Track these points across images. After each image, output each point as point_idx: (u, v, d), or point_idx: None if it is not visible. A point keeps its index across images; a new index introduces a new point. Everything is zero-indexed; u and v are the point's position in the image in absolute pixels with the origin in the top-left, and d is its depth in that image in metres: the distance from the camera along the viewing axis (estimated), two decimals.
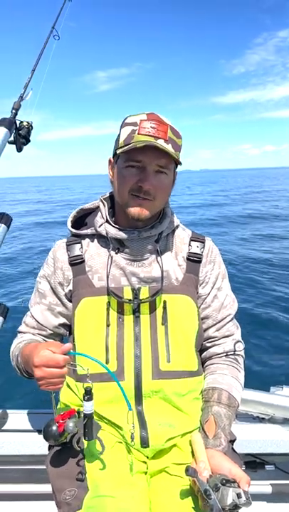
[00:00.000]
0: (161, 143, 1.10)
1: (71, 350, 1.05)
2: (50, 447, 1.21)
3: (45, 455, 1.21)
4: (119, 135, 1.18)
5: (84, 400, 1.05)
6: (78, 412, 1.12)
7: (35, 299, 1.33)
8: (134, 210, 1.17)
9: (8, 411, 1.62)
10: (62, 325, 1.31)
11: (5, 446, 1.49)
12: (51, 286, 1.29)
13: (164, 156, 1.13)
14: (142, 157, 1.13)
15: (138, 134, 1.11)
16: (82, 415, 1.06)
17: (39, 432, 1.51)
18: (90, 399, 1.04)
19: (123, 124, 1.18)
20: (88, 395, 1.04)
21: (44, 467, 1.17)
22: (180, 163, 1.18)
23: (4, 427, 1.55)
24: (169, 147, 1.11)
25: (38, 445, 1.47)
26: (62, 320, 1.30)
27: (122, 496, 0.99)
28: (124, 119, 1.19)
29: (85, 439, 1.06)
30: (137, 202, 1.16)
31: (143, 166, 1.14)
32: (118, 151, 1.14)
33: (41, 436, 1.46)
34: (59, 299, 1.29)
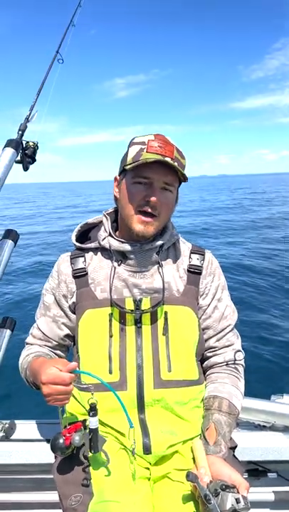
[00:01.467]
0: (167, 160, 1.16)
1: (77, 369, 1.10)
2: (56, 456, 1.25)
3: (52, 464, 1.25)
4: (126, 153, 1.24)
5: (89, 415, 1.10)
6: (84, 424, 1.17)
7: (41, 311, 1.38)
8: (140, 228, 1.22)
9: (16, 421, 1.66)
10: (67, 336, 1.36)
11: (13, 455, 1.52)
12: (56, 299, 1.34)
13: (171, 173, 1.20)
14: (150, 173, 1.19)
15: (146, 151, 1.18)
16: (88, 430, 1.11)
17: (47, 441, 1.55)
18: (94, 414, 1.10)
19: (131, 144, 1.24)
20: (93, 410, 1.10)
21: (51, 476, 1.20)
22: (185, 180, 1.25)
23: (12, 437, 1.58)
24: (176, 165, 1.17)
25: (45, 454, 1.50)
26: (67, 331, 1.35)
27: (126, 501, 1.03)
28: (132, 139, 1.25)
29: (90, 451, 1.10)
30: (142, 219, 1.21)
31: (150, 182, 1.20)
32: (127, 167, 1.20)
33: (48, 445, 1.51)
34: (63, 310, 1.34)
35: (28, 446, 1.54)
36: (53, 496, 1.55)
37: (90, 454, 1.14)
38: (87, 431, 1.11)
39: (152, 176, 1.19)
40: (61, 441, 1.11)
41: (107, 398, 1.18)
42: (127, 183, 1.23)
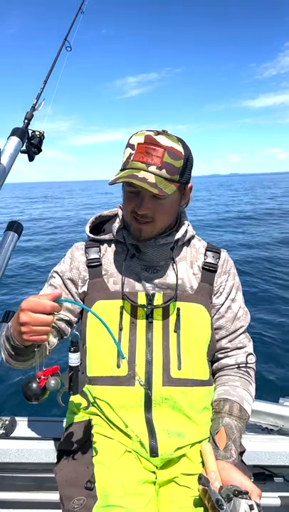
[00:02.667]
0: (152, 170, 1.10)
1: (62, 297, 1.00)
2: (58, 455, 1.22)
3: (54, 463, 1.21)
4: (123, 154, 1.19)
5: (69, 351, 1.01)
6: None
7: (46, 290, 1.33)
8: (135, 231, 1.21)
9: (17, 418, 1.62)
10: (65, 321, 1.29)
11: (13, 454, 1.49)
12: (63, 282, 1.30)
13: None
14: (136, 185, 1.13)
15: (132, 160, 1.13)
16: (68, 368, 1.03)
17: (48, 439, 1.51)
18: (76, 350, 1.01)
19: (127, 144, 1.18)
20: (74, 346, 1.01)
21: (52, 475, 1.17)
22: (182, 182, 1.17)
23: (13, 434, 1.55)
24: (162, 173, 1.10)
25: (46, 453, 1.47)
26: (68, 315, 1.29)
27: (130, 505, 0.99)
28: (130, 138, 1.18)
29: (69, 393, 1.04)
30: (136, 224, 1.19)
31: (138, 191, 1.15)
32: (112, 178, 1.14)
33: (50, 443, 1.47)
34: (69, 295, 1.29)
35: (28, 444, 1.50)
36: (53, 496, 1.51)
37: (94, 451, 1.11)
38: (67, 371, 1.03)
39: (138, 187, 1.12)
40: (35, 385, 1.02)
41: (114, 393, 1.16)
42: (123, 189, 1.22)
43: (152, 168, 1.10)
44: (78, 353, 1.01)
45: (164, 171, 1.11)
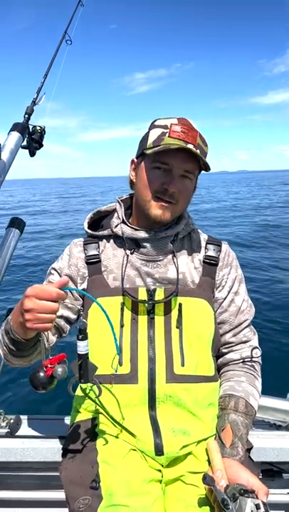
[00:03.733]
0: (191, 148, 1.11)
1: (68, 285, 0.98)
2: (63, 454, 1.20)
3: (59, 462, 1.20)
4: (147, 136, 1.19)
5: (78, 339, 0.99)
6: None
7: None
8: (157, 213, 1.17)
9: (22, 417, 1.62)
10: (65, 318, 1.27)
11: (18, 452, 1.48)
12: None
13: (192, 160, 1.14)
14: (170, 160, 1.14)
15: (168, 136, 1.13)
16: (77, 356, 1.00)
17: (52, 438, 1.50)
18: (84, 338, 0.99)
19: (152, 126, 1.19)
20: (82, 334, 0.99)
21: (57, 474, 1.16)
22: (208, 169, 1.18)
23: (18, 433, 1.54)
24: (198, 152, 1.12)
25: (51, 452, 1.46)
26: (67, 312, 1.27)
27: (136, 505, 0.97)
28: (154, 121, 1.20)
29: (80, 382, 1.02)
30: (160, 204, 1.17)
31: (170, 168, 1.15)
32: (148, 151, 1.14)
33: (55, 442, 1.46)
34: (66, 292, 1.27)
35: (33, 442, 1.49)
36: (59, 495, 1.50)
37: (99, 450, 1.09)
38: (76, 360, 1.00)
39: (172, 163, 1.14)
40: (42, 373, 0.98)
41: (117, 391, 1.14)
42: (146, 167, 1.18)
43: (190, 147, 1.11)
44: (86, 341, 0.99)
45: (198, 151, 1.12)
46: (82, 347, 1.00)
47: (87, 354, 1.00)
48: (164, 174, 1.15)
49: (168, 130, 1.13)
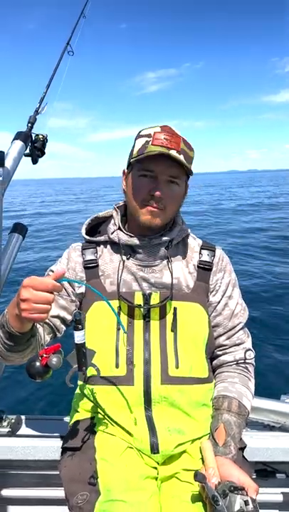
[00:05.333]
0: (173, 153, 1.14)
1: (65, 277, 1.01)
2: (63, 452, 1.24)
3: (58, 460, 1.24)
4: (133, 146, 1.23)
5: (74, 329, 1.02)
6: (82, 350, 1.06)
7: None
8: (146, 218, 1.21)
9: (22, 417, 1.65)
10: (60, 319, 1.29)
11: (19, 451, 1.52)
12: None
13: (176, 166, 1.17)
14: (154, 167, 1.17)
15: (151, 144, 1.16)
16: (74, 346, 1.03)
17: (52, 437, 1.54)
18: (80, 328, 1.02)
19: (137, 136, 1.23)
20: (79, 324, 1.02)
21: (57, 472, 1.20)
22: (191, 174, 1.22)
23: (18, 432, 1.58)
24: (181, 158, 1.15)
25: (52, 450, 1.49)
26: (63, 313, 1.29)
27: (133, 500, 1.01)
28: (139, 132, 1.24)
29: (80, 370, 1.05)
30: (148, 210, 1.20)
31: (155, 175, 1.18)
32: (131, 160, 1.19)
33: (55, 441, 1.50)
34: (64, 293, 1.29)
35: (34, 441, 1.53)
36: (58, 493, 1.54)
37: (97, 447, 1.13)
38: (73, 351, 1.04)
39: (157, 169, 1.18)
40: (37, 363, 1.01)
41: (114, 392, 1.18)
42: (133, 176, 1.23)
43: (173, 152, 1.15)
44: (83, 331, 1.03)
45: (182, 156, 1.16)
46: (79, 336, 1.03)
47: (83, 343, 1.03)
48: (150, 181, 1.19)
49: (151, 138, 1.17)
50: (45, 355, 1.02)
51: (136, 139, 1.23)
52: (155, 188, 1.17)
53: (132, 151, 1.23)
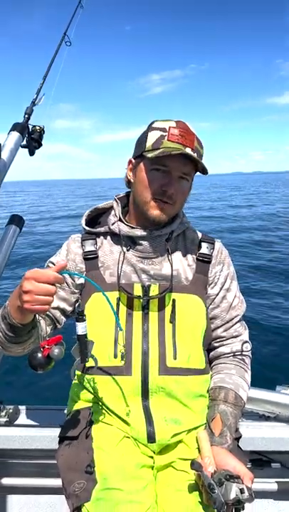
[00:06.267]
0: (188, 151, 1.15)
1: (66, 269, 1.01)
2: (60, 442, 1.25)
3: (56, 449, 1.25)
4: (145, 138, 1.21)
5: (76, 320, 1.04)
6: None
7: None
8: (156, 213, 1.21)
9: (20, 407, 1.66)
10: (61, 310, 1.30)
11: (17, 440, 1.53)
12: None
13: (189, 163, 1.18)
14: (170, 163, 1.17)
15: (167, 139, 1.16)
16: (76, 337, 1.05)
17: (50, 427, 1.55)
18: (82, 320, 1.04)
19: (150, 128, 1.22)
20: (81, 315, 1.04)
21: (54, 462, 1.21)
22: (206, 173, 1.22)
23: (16, 422, 1.59)
24: (197, 157, 1.16)
25: (48, 439, 1.51)
26: (63, 304, 1.30)
27: (129, 488, 1.03)
28: (152, 123, 1.23)
29: (83, 362, 1.07)
30: (159, 205, 1.20)
31: (168, 171, 1.18)
32: (149, 155, 1.17)
33: (52, 430, 1.51)
34: (64, 284, 1.30)
35: (31, 431, 1.54)
36: (56, 482, 1.56)
37: (94, 437, 1.15)
38: (76, 344, 1.05)
39: (171, 165, 1.18)
40: (39, 354, 1.02)
41: (112, 383, 1.19)
42: (145, 169, 1.21)
43: (188, 150, 1.15)
44: (85, 322, 1.04)
45: (195, 154, 1.17)
46: (81, 327, 1.04)
47: (85, 335, 1.04)
48: (163, 176, 1.19)
49: (166, 133, 1.16)
50: (47, 347, 1.02)
51: (148, 131, 1.22)
52: (168, 184, 1.18)
53: (144, 142, 1.21)
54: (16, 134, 1.62)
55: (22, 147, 1.66)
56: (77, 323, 1.04)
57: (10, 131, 1.63)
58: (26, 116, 1.69)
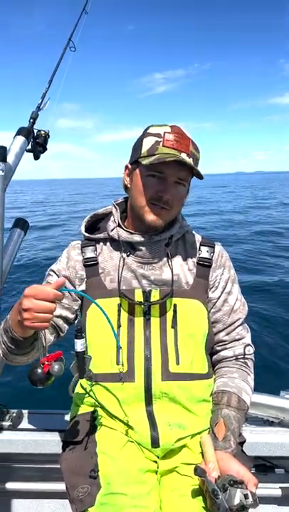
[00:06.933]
0: (183, 157, 1.15)
1: (65, 287, 1.03)
2: (63, 446, 1.25)
3: (59, 454, 1.25)
4: (141, 144, 1.21)
5: (75, 337, 1.04)
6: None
7: None
8: (152, 218, 1.21)
9: (24, 411, 1.66)
10: (63, 318, 1.30)
11: (20, 445, 1.53)
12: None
13: (185, 169, 1.18)
14: (165, 169, 1.17)
15: (162, 145, 1.16)
16: (75, 353, 1.05)
17: (53, 431, 1.55)
18: (80, 337, 1.04)
19: (145, 134, 1.22)
20: (79, 332, 1.04)
21: (58, 466, 1.20)
22: (202, 178, 1.22)
23: (20, 426, 1.59)
24: (192, 163, 1.16)
25: (52, 444, 1.50)
26: (65, 312, 1.30)
27: (133, 493, 1.02)
28: (147, 129, 1.23)
29: (81, 378, 1.07)
30: (155, 211, 1.20)
31: (164, 177, 1.18)
32: (144, 161, 1.17)
33: (56, 435, 1.51)
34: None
35: (35, 435, 1.54)
36: (59, 486, 1.55)
37: (97, 442, 1.15)
38: (75, 361, 1.06)
39: (167, 172, 1.18)
40: (39, 370, 1.02)
41: (115, 389, 1.19)
42: (141, 174, 1.22)
43: (183, 155, 1.15)
44: (83, 339, 1.05)
45: (191, 159, 1.17)
46: (80, 344, 1.05)
47: (83, 352, 1.05)
48: (159, 182, 1.19)
49: (161, 139, 1.17)
50: (46, 363, 1.03)
51: (144, 137, 1.22)
52: (164, 190, 1.18)
53: (139, 148, 1.22)
54: (21, 139, 1.63)
55: (27, 151, 1.67)
56: (75, 340, 1.05)
57: (15, 135, 1.64)
58: (32, 120, 1.70)
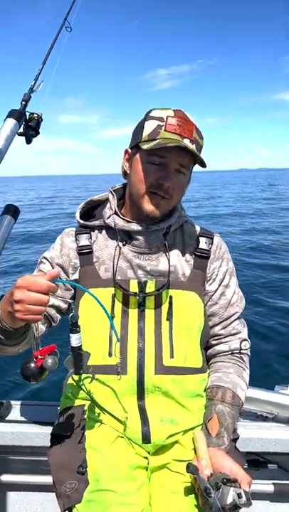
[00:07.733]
0: (186, 142, 1.09)
1: (59, 278, 0.98)
2: (52, 439, 1.22)
3: (48, 447, 1.22)
4: (142, 127, 1.16)
5: (70, 332, 1.00)
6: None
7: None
8: (150, 208, 1.16)
9: (12, 402, 1.63)
10: (55, 307, 1.26)
11: (8, 437, 1.50)
12: (53, 268, 1.25)
13: (187, 155, 1.13)
14: (167, 154, 1.12)
15: (164, 130, 1.11)
16: (70, 348, 1.01)
17: (42, 423, 1.52)
18: (76, 331, 1.00)
19: (147, 117, 1.16)
20: (74, 326, 0.99)
21: (46, 459, 1.18)
22: (205, 166, 1.17)
23: (8, 418, 1.56)
24: (195, 149, 1.11)
25: (41, 437, 1.48)
26: (57, 302, 1.26)
27: (122, 490, 1.00)
28: (149, 112, 1.17)
29: (77, 374, 1.04)
30: (154, 200, 1.15)
31: (165, 162, 1.13)
32: (145, 146, 1.12)
33: (45, 427, 1.48)
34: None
35: (23, 427, 1.51)
36: (47, 479, 1.52)
37: (87, 436, 1.11)
38: (70, 355, 1.02)
39: (169, 156, 1.12)
40: (32, 364, 0.99)
41: (106, 382, 1.15)
42: (141, 160, 1.16)
43: (186, 141, 1.10)
44: (79, 334, 1.00)
45: (194, 145, 1.11)
46: (74, 339, 1.00)
47: (79, 346, 1.01)
48: (160, 169, 1.13)
49: (164, 123, 1.11)
50: (40, 357, 0.99)
51: (145, 120, 1.16)
52: (164, 177, 1.13)
53: (140, 132, 1.16)
54: (12, 121, 1.56)
55: (19, 135, 1.61)
56: (70, 334, 1.00)
57: (6, 117, 1.57)
58: (23, 102, 1.63)
